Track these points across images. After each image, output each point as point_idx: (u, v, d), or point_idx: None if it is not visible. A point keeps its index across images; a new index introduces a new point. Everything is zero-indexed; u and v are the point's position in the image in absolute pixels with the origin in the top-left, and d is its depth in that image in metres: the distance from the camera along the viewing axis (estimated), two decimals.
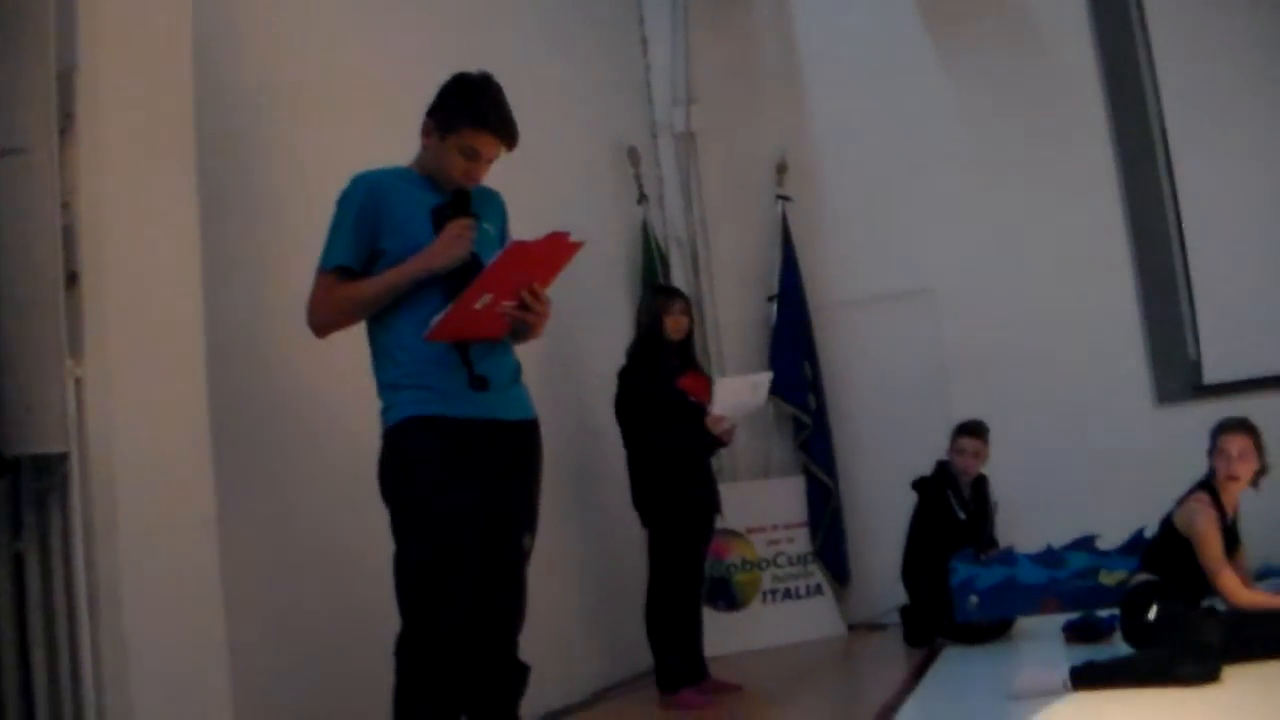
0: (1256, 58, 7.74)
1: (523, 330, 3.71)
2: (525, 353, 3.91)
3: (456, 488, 3.53)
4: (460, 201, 3.64)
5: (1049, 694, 4.83)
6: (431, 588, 3.48)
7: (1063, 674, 4.90)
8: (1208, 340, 7.79)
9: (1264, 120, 7.72)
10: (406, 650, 3.49)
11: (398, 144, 3.84)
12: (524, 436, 3.78)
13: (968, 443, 7.02)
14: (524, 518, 3.78)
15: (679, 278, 7.89)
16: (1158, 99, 7.96)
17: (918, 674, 5.97)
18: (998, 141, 8.09)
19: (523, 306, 3.57)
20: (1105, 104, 8.05)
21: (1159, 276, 7.92)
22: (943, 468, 7.08)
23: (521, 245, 3.49)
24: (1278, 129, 7.70)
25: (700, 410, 5.87)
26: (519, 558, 3.76)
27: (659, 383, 5.82)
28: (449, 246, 3.54)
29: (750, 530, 7.68)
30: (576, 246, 3.54)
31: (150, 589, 2.98)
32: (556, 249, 3.51)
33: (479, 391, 3.58)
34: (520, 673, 3.81)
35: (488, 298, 3.46)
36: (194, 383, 3.23)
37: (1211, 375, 7.72)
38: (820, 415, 8.02)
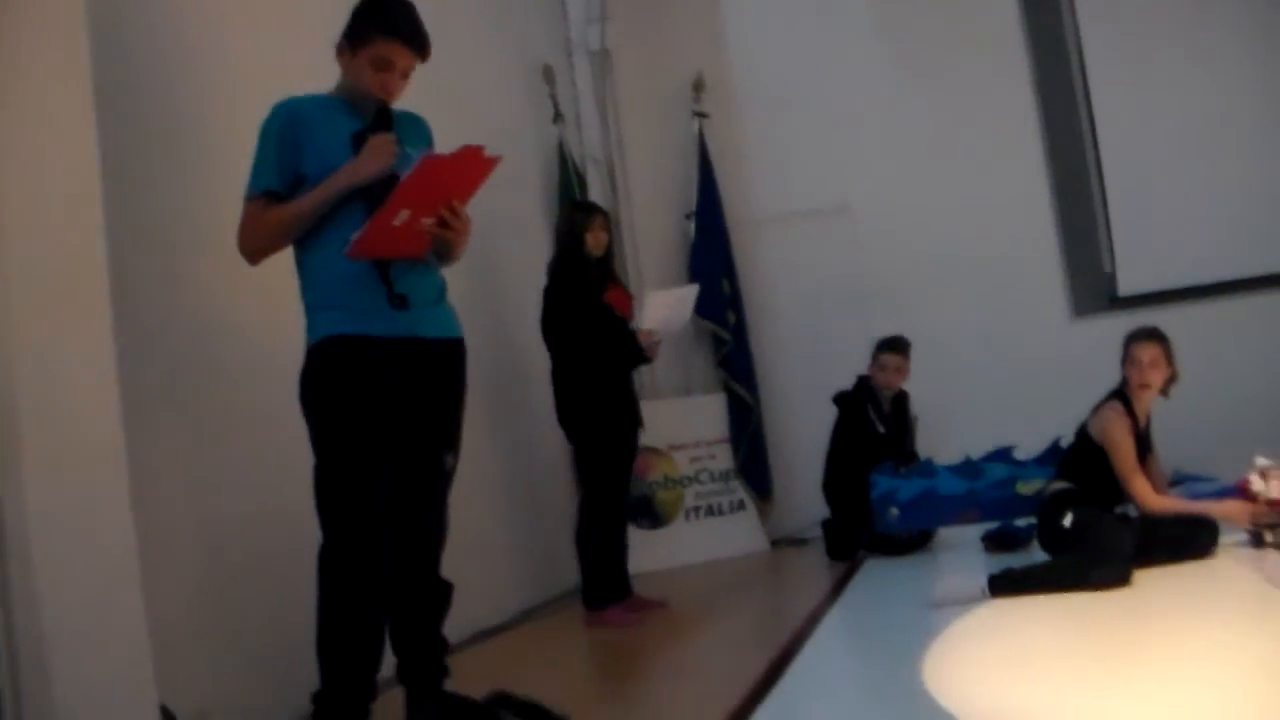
0: None
1: (444, 250, 3.71)
2: (448, 270, 3.89)
3: (375, 404, 3.54)
4: (382, 117, 3.63)
5: (968, 602, 4.90)
6: (350, 502, 3.50)
7: (981, 582, 4.97)
8: (1122, 253, 7.90)
9: (1180, 38, 7.81)
10: (327, 563, 3.51)
11: (315, 69, 3.80)
12: (447, 355, 3.78)
13: (890, 359, 7.06)
14: (446, 436, 3.79)
15: (597, 196, 7.81)
16: (1075, 19, 8.01)
17: (839, 586, 6.03)
18: (917, 58, 8.12)
19: (442, 224, 3.56)
20: (1025, 23, 8.10)
21: (1075, 191, 8.02)
22: (863, 382, 7.13)
23: (435, 159, 3.49)
24: (1193, 46, 7.79)
25: (625, 325, 5.88)
26: (440, 476, 3.78)
27: (584, 298, 5.80)
28: (373, 158, 3.52)
29: (672, 448, 7.71)
30: (493, 162, 3.52)
31: (57, 520, 2.93)
32: (472, 164, 3.49)
33: (399, 310, 3.57)
34: (443, 591, 3.84)
35: (406, 214, 3.44)
36: (97, 311, 3.15)
37: (1126, 288, 7.83)
38: (740, 332, 8.05)
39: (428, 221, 3.53)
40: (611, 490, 5.86)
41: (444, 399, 3.77)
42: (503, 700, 2.58)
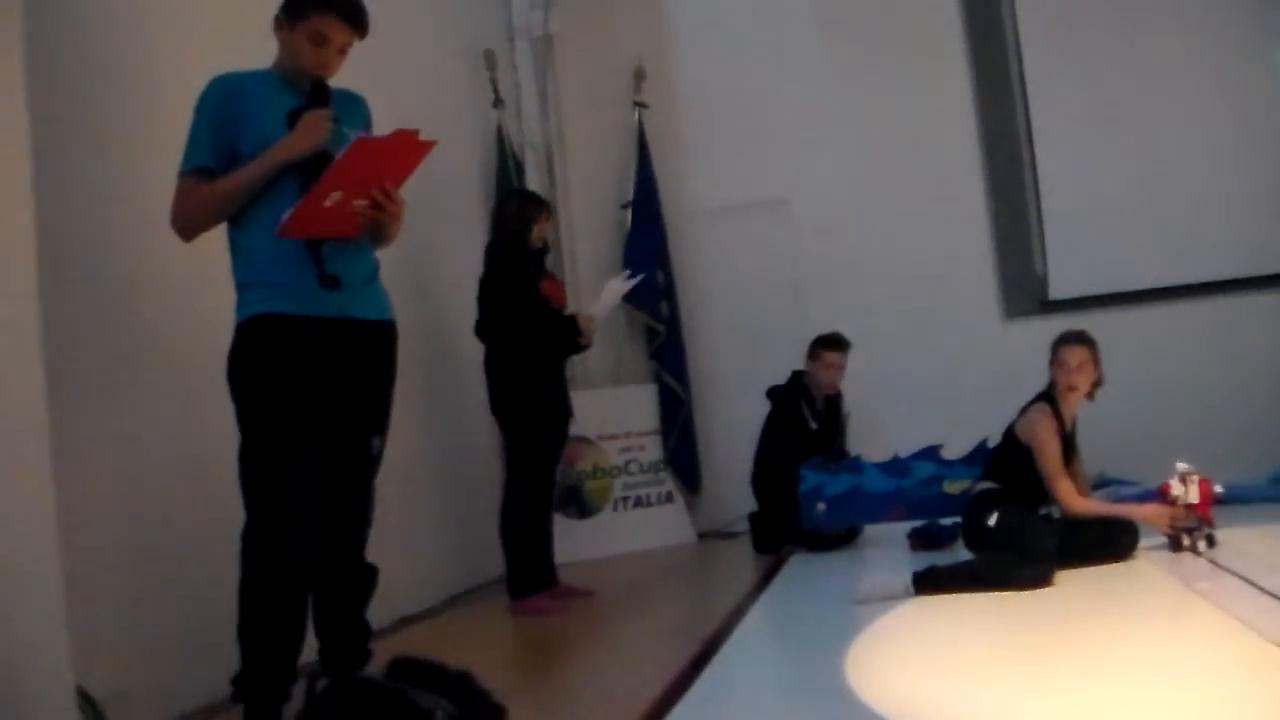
0: None
1: (377, 231, 3.69)
2: (381, 252, 3.86)
3: (302, 384, 3.52)
4: (318, 93, 3.61)
5: (892, 598, 4.94)
6: (275, 482, 3.48)
7: (905, 579, 5.02)
8: (1054, 257, 7.98)
9: (1118, 45, 7.90)
10: (251, 543, 3.50)
11: (253, 45, 3.77)
12: (378, 337, 3.77)
13: (833, 356, 7.08)
14: (374, 420, 3.78)
15: (534, 183, 7.80)
16: (1015, 20, 8.08)
17: (765, 580, 6.05)
18: (857, 54, 8.15)
19: (375, 206, 3.55)
20: (965, 23, 8.16)
21: (1009, 194, 8.10)
22: (798, 378, 7.15)
23: (367, 140, 3.49)
24: (1131, 54, 7.88)
25: (559, 315, 5.88)
26: (367, 459, 3.76)
27: (522, 288, 5.79)
28: (307, 134, 3.50)
29: (602, 438, 7.71)
30: (427, 146, 3.52)
31: None
32: (406, 147, 3.49)
33: (330, 290, 3.54)
34: (368, 575, 3.83)
35: (338, 195, 3.42)
36: (22, 282, 3.10)
37: (1057, 291, 7.91)
38: (673, 323, 8.05)
39: (360, 203, 3.51)
40: (537, 479, 5.85)
41: (373, 381, 3.76)
42: (402, 665, 2.56)
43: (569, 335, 5.89)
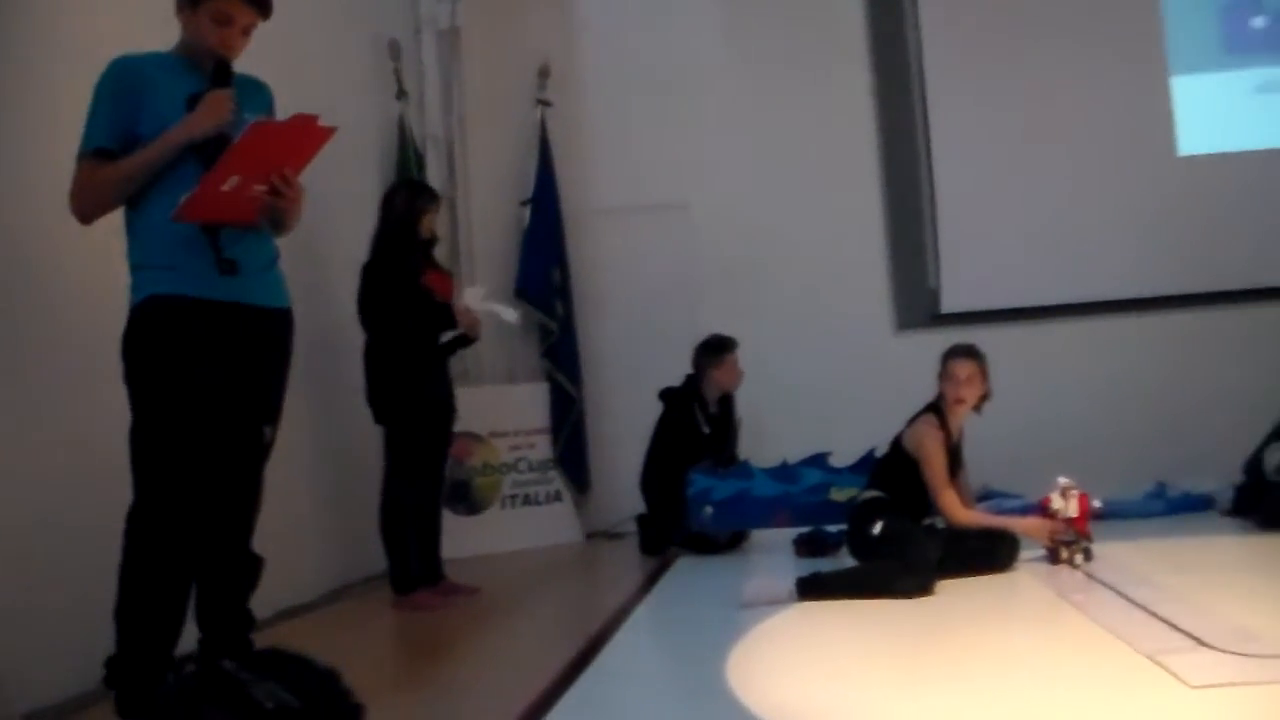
0: (1011, 1, 8.05)
1: (277, 219, 3.67)
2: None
3: (195, 368, 3.47)
4: (220, 73, 3.55)
5: (776, 603, 4.97)
6: (163, 465, 3.44)
7: (790, 584, 5.05)
8: (947, 271, 8.09)
9: (1018, 67, 8.05)
10: (134, 525, 3.45)
11: (156, 27, 3.71)
12: (274, 324, 3.73)
13: (735, 357, 7.13)
14: (267, 408, 3.74)
15: (435, 176, 7.74)
16: (918, 37, 8.19)
17: (650, 582, 6.07)
18: (760, 62, 8.21)
19: (275, 192, 3.51)
20: (867, 35, 8.26)
21: (906, 207, 8.21)
22: (691, 382, 7.17)
23: (265, 124, 3.46)
24: (1030, 77, 8.04)
25: (444, 309, 5.83)
26: (258, 448, 3.73)
27: (405, 279, 5.73)
28: (207, 114, 3.45)
29: (493, 434, 7.68)
30: (327, 133, 3.49)
31: None
32: (305, 133, 3.47)
33: (227, 275, 3.51)
34: (252, 565, 3.78)
35: (236, 180, 3.39)
36: None
37: (948, 305, 8.02)
38: (567, 323, 8.04)
39: (259, 188, 3.47)
40: (419, 475, 5.79)
41: (267, 369, 3.72)
42: (267, 656, 2.54)
43: (443, 327, 5.84)
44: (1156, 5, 8.13)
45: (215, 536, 3.60)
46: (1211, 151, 8.06)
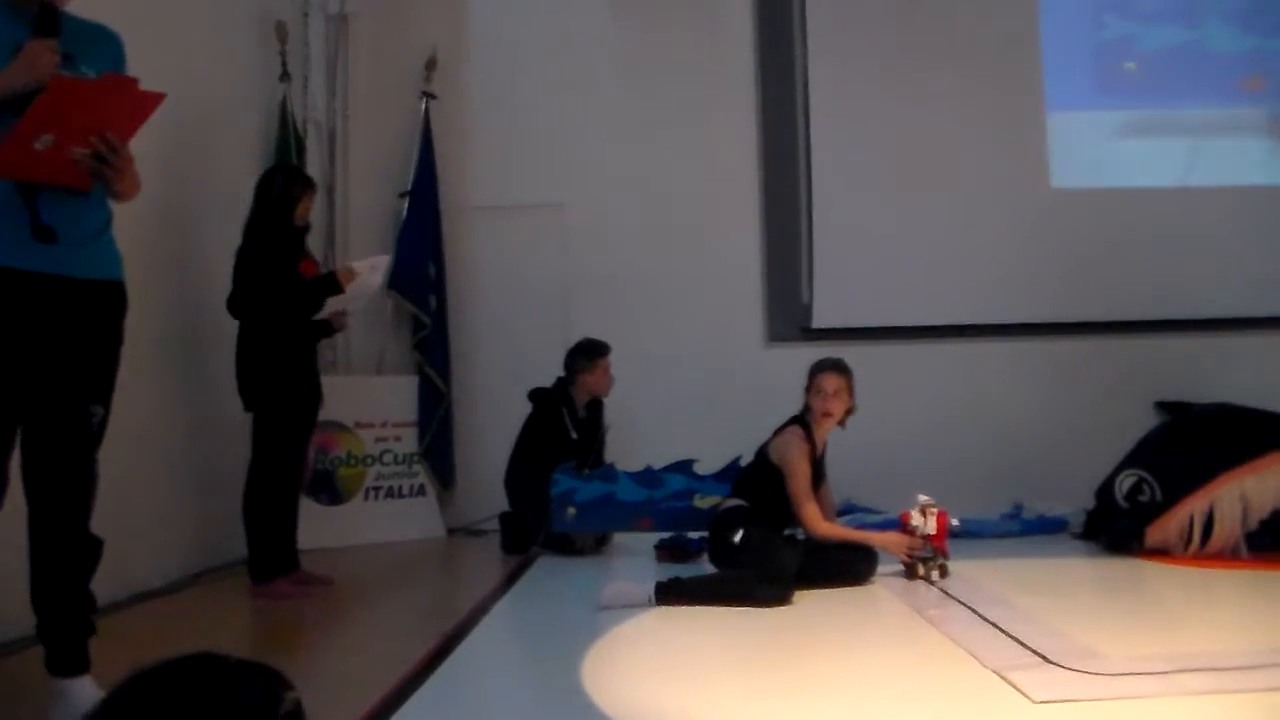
0: (899, 32, 8.19)
1: (107, 186, 3.44)
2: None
3: (7, 342, 3.28)
4: (45, 20, 3.29)
5: (634, 606, 4.99)
6: None
7: (649, 588, 5.08)
8: (820, 288, 8.17)
9: (901, 93, 8.19)
10: None
11: None
12: (100, 299, 3.50)
13: (608, 361, 7.14)
14: (93, 386, 3.51)
15: (314, 162, 7.65)
16: (805, 53, 8.28)
17: (510, 580, 6.06)
18: (648, 69, 8.25)
19: (100, 158, 3.31)
20: (755, 49, 8.33)
21: (783, 222, 8.27)
22: (562, 385, 7.17)
23: (66, 80, 3.25)
24: (912, 102, 8.18)
25: (317, 298, 5.77)
26: (86, 428, 3.49)
27: (281, 266, 5.66)
28: (25, 66, 3.21)
29: (359, 425, 7.60)
30: (155, 98, 3.35)
31: None
32: (128, 96, 3.32)
33: (45, 243, 3.30)
34: (91, 547, 3.54)
35: (49, 138, 3.20)
36: None
37: (820, 320, 8.11)
38: (440, 317, 7.98)
39: (80, 151, 3.28)
40: (283, 463, 5.73)
41: (92, 346, 3.49)
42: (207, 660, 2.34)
43: (329, 292, 5.78)
44: (1036, 43, 8.33)
45: (45, 520, 3.43)
46: (1082, 187, 8.27)
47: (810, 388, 5.66)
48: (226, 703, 1.71)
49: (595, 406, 7.27)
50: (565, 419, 7.10)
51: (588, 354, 7.15)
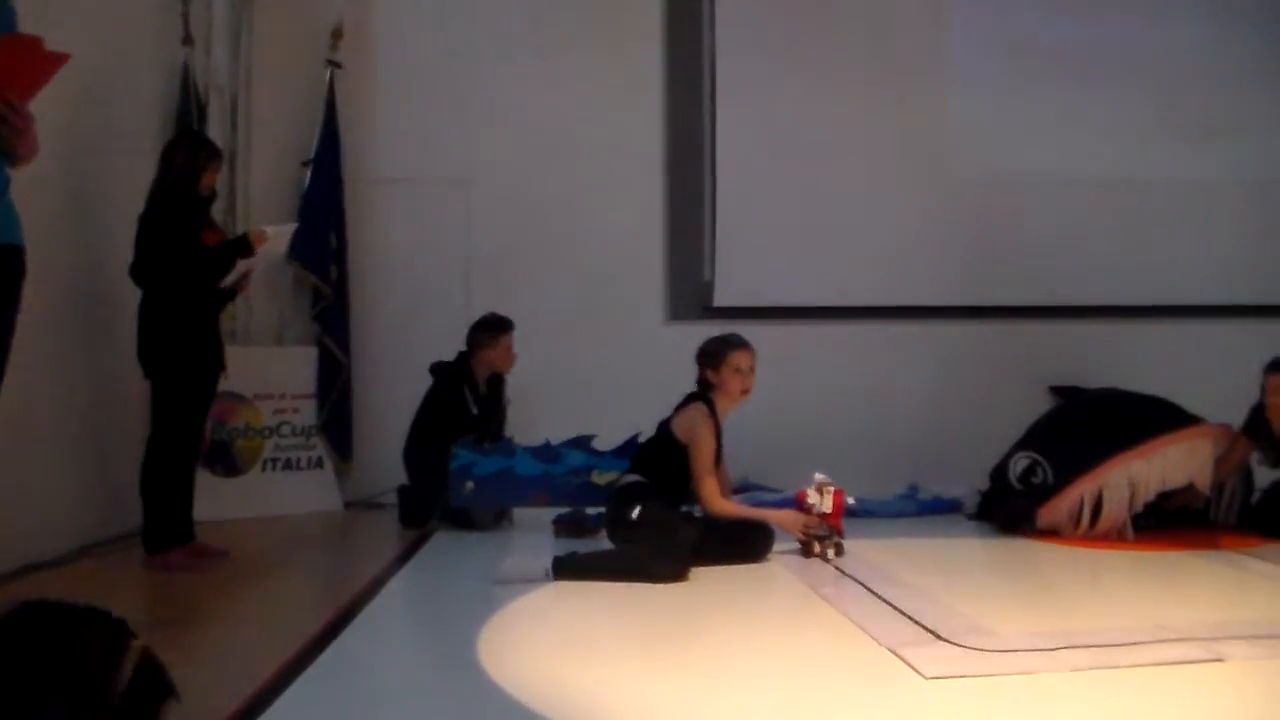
0: (808, 15, 8.27)
1: (8, 148, 3.36)
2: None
3: None
4: None
5: (531, 581, 5.00)
6: None
7: (546, 563, 5.08)
8: (722, 267, 8.23)
9: (808, 76, 8.27)
10: None
11: None
12: None
13: (510, 338, 7.10)
14: None
15: (215, 128, 7.51)
16: (713, 34, 8.33)
17: (408, 554, 6.04)
18: (555, 45, 8.23)
19: None
20: (663, 29, 8.35)
21: (686, 201, 8.31)
22: (463, 359, 7.13)
23: None
24: (821, 86, 8.25)
25: (223, 264, 5.70)
26: None
27: (185, 234, 5.58)
28: None
29: (258, 396, 7.52)
30: (58, 59, 3.30)
31: None
32: (26, 56, 3.27)
33: None
34: None
35: None
36: None
37: (720, 299, 8.16)
38: (341, 289, 7.91)
39: None
40: (182, 432, 5.66)
41: None
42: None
43: (241, 253, 5.70)
44: (945, 30, 8.45)
45: None
46: (982, 174, 8.40)
47: (723, 364, 5.67)
48: (69, 648, 1.70)
49: (496, 382, 7.24)
50: (465, 393, 7.06)
51: (490, 329, 7.12)
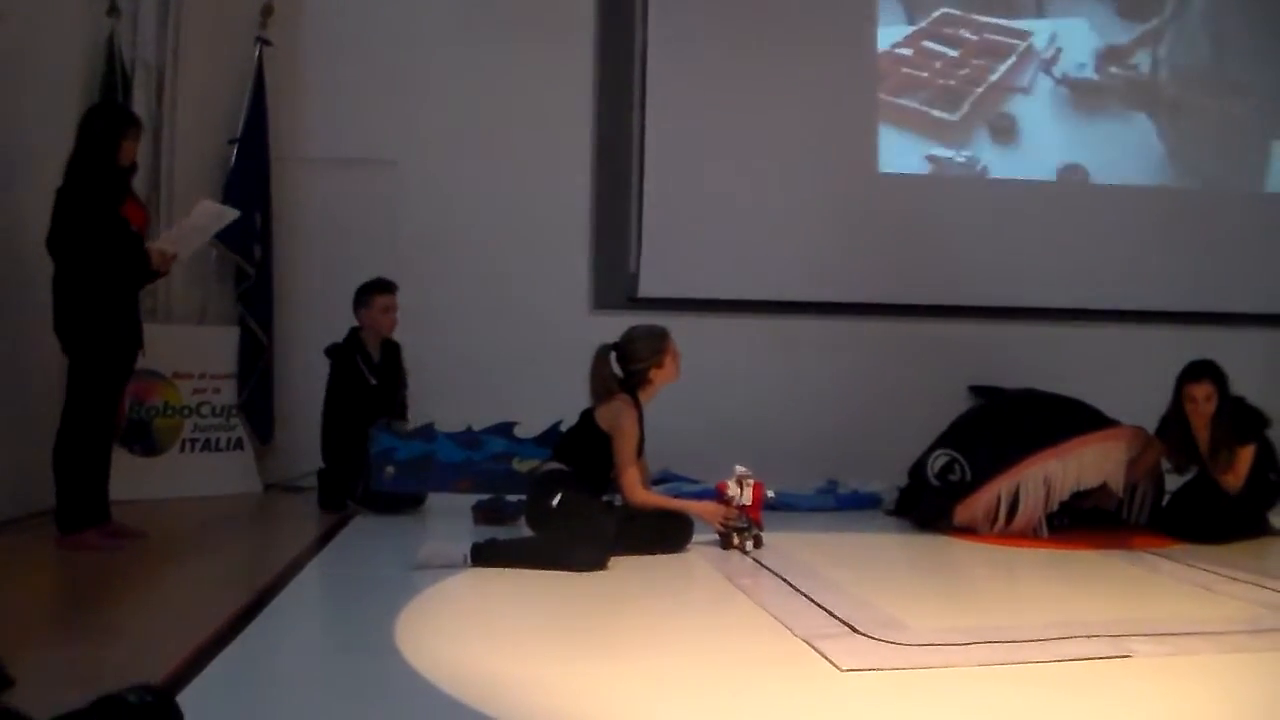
0: (739, 10, 8.33)
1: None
2: None
3: None
4: None
5: (449, 566, 5.00)
6: None
7: (465, 549, 5.08)
8: (648, 258, 8.26)
9: (737, 71, 8.36)
10: None
11: None
12: None
13: (387, 299, 7.05)
14: None
15: (140, 101, 7.39)
16: (645, 27, 8.40)
17: (326, 538, 6.01)
18: (485, 30, 8.21)
19: None
20: (595, 16, 8.37)
21: (614, 191, 8.34)
22: (354, 334, 7.07)
23: None
24: (746, 84, 8.35)
25: (140, 240, 5.63)
26: None
27: (102, 207, 5.49)
28: None
29: (177, 375, 7.43)
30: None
31: None
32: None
33: None
34: None
35: None
36: None
37: (645, 290, 8.18)
38: (265, 269, 7.84)
39: None
40: (98, 410, 5.58)
41: None
42: None
43: (138, 262, 5.63)
44: (872, 30, 8.54)
45: None
46: (906, 173, 8.50)
47: (664, 353, 5.71)
48: None
49: (392, 351, 7.18)
50: (360, 365, 6.99)
51: (365, 290, 7.07)
